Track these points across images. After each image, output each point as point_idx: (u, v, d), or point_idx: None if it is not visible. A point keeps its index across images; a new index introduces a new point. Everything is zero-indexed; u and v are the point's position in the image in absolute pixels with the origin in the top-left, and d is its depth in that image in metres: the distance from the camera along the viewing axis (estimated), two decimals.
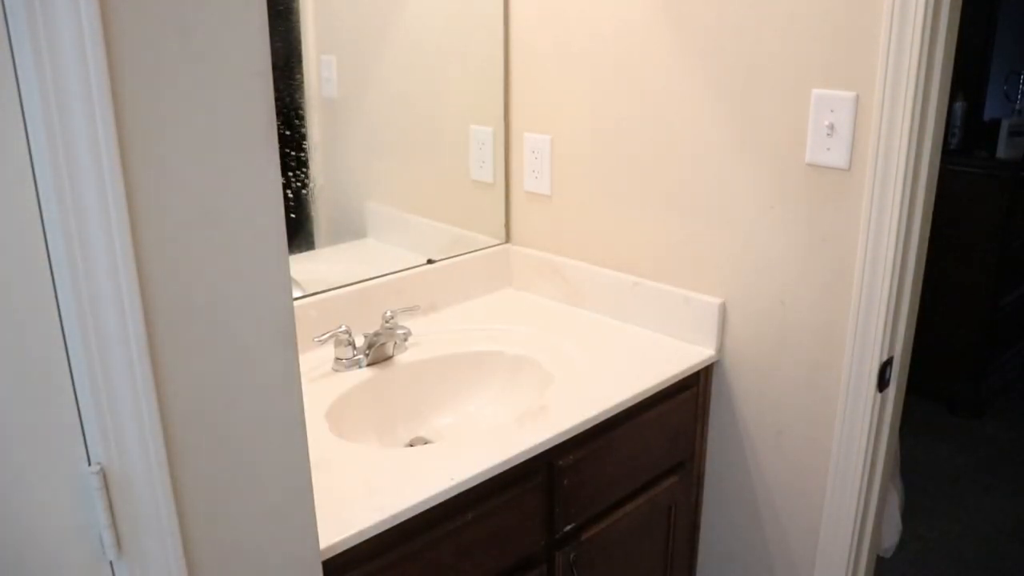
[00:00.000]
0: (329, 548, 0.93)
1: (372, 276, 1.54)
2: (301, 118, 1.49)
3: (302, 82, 1.48)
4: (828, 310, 1.30)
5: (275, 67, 0.69)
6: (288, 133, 1.44)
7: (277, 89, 0.69)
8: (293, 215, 1.48)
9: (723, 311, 1.44)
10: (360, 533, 0.97)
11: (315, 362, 1.40)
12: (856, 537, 1.37)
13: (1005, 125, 2.84)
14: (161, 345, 0.66)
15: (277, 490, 0.79)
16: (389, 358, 1.43)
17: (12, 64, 0.57)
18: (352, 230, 1.59)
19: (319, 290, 1.47)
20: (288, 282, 0.74)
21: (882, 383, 1.28)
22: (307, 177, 1.51)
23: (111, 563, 0.69)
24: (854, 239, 1.24)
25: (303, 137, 1.51)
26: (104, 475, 0.65)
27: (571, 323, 1.59)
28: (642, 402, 1.32)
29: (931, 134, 1.18)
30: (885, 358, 1.27)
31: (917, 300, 1.31)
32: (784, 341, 1.38)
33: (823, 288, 1.30)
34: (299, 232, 1.51)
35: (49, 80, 0.56)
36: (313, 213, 1.54)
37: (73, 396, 0.64)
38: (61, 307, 0.62)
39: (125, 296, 0.62)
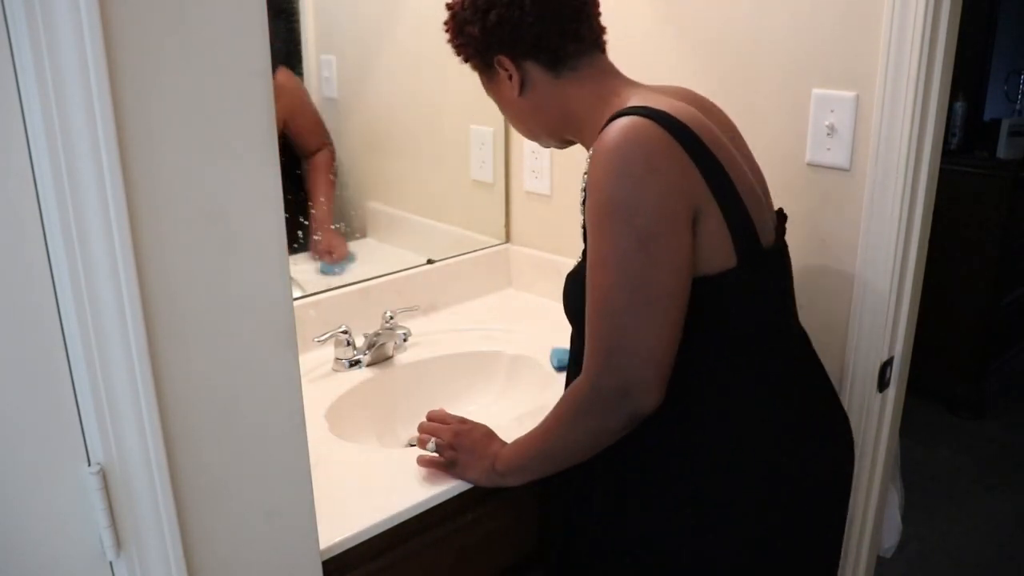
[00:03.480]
0: (329, 548, 0.93)
1: (372, 276, 1.54)
2: None
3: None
4: (828, 311, 1.30)
5: (275, 67, 0.69)
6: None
7: None
8: (293, 215, 1.47)
9: None
10: (360, 533, 0.97)
11: (315, 362, 1.40)
12: (857, 537, 1.37)
13: (1005, 125, 2.84)
14: (161, 345, 0.66)
15: (277, 490, 0.79)
16: (389, 358, 1.43)
17: (12, 64, 0.56)
18: (352, 230, 1.59)
19: (319, 290, 1.47)
20: (288, 282, 0.74)
21: (882, 383, 1.28)
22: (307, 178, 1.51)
23: (111, 563, 0.69)
24: (854, 239, 1.24)
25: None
26: (104, 475, 0.65)
27: None
28: None
29: (931, 134, 1.18)
30: (885, 358, 1.27)
31: (917, 300, 1.31)
32: None
33: (823, 288, 1.30)
34: (299, 232, 1.51)
35: (49, 80, 0.56)
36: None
37: (73, 396, 0.64)
38: (61, 307, 0.62)
39: (125, 296, 0.62)
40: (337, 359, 1.40)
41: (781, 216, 1.08)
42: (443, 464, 1.06)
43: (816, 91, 1.23)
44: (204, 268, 0.68)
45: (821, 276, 1.30)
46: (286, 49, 1.44)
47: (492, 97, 1.08)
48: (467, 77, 1.09)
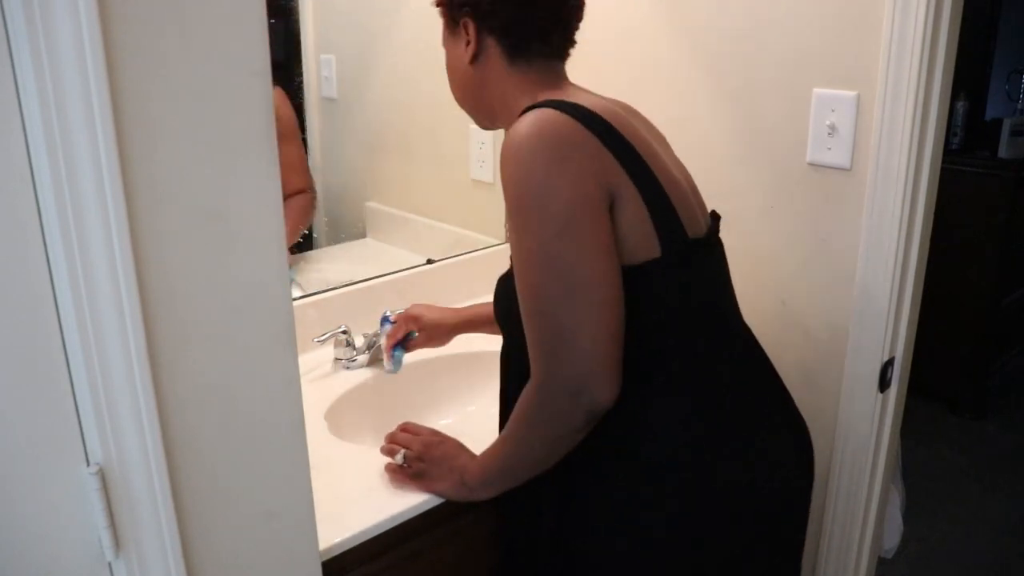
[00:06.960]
0: (329, 549, 0.93)
1: (372, 276, 1.54)
2: (301, 118, 1.49)
3: (302, 82, 1.48)
4: (829, 310, 1.30)
5: (275, 67, 0.69)
6: None
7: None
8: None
9: None
10: (360, 534, 0.97)
11: (315, 362, 1.40)
12: (858, 538, 1.37)
13: (1007, 125, 2.83)
14: (160, 345, 0.66)
15: (277, 491, 0.79)
16: None
17: (11, 64, 0.56)
18: (352, 230, 1.59)
19: (319, 290, 1.47)
20: (288, 282, 0.74)
21: (883, 383, 1.27)
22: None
23: (109, 564, 0.69)
24: (855, 239, 1.24)
25: (303, 137, 1.50)
26: (103, 476, 0.65)
27: None
28: None
29: (932, 134, 1.18)
30: (886, 358, 1.26)
31: (919, 300, 1.31)
32: (785, 341, 1.38)
33: (824, 288, 1.30)
34: None
35: (48, 81, 0.56)
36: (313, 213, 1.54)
37: (72, 397, 0.64)
38: (60, 307, 0.62)
39: (124, 296, 0.62)
40: (337, 359, 1.40)
41: (715, 217, 1.05)
42: (411, 476, 1.03)
43: (817, 91, 1.23)
44: (203, 268, 0.68)
45: (821, 276, 1.30)
46: (286, 49, 1.44)
47: (445, 50, 1.05)
48: None
